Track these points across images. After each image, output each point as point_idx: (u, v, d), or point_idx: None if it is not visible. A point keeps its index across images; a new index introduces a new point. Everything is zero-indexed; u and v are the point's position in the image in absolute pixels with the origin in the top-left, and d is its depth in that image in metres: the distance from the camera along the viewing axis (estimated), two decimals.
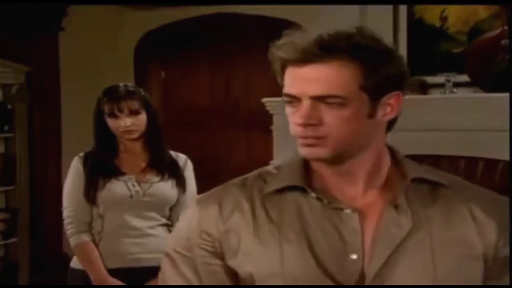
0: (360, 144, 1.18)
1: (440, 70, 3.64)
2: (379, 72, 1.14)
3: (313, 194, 1.19)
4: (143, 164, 2.61)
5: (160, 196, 2.54)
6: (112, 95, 2.57)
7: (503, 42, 3.39)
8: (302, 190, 1.20)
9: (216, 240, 1.21)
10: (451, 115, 3.45)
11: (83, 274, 2.54)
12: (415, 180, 1.21)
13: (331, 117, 1.13)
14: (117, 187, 2.54)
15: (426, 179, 1.22)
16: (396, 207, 1.18)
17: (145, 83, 4.94)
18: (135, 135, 2.57)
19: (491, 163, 3.44)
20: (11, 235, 4.61)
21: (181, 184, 2.60)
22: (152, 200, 2.52)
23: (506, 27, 3.44)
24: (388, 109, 1.18)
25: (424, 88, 3.70)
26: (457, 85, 3.57)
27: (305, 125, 1.14)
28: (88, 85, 4.78)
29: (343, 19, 3.75)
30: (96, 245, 2.56)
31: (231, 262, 1.20)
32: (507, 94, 3.12)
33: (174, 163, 2.65)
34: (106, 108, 2.56)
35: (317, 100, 1.13)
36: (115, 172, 2.56)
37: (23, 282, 4.64)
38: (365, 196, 1.21)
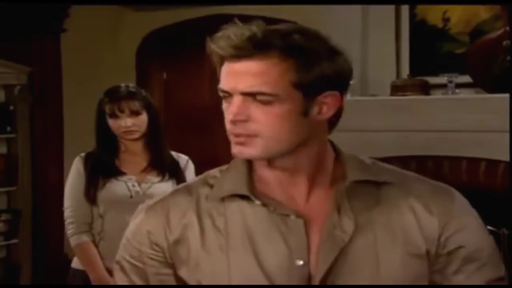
0: (294, 142, 1.15)
1: (442, 71, 3.63)
2: (312, 71, 1.12)
3: (257, 202, 1.18)
4: (144, 165, 2.61)
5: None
6: (113, 96, 2.58)
7: (504, 43, 3.38)
8: (246, 197, 1.19)
9: (166, 251, 1.21)
10: (453, 116, 3.45)
11: (83, 275, 2.55)
12: (356, 181, 1.19)
13: (260, 114, 1.12)
14: (117, 187, 2.55)
15: (367, 180, 1.20)
16: (339, 209, 1.17)
17: (147, 84, 4.94)
18: (136, 136, 2.58)
19: (493, 164, 3.43)
20: (13, 236, 4.61)
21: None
22: None
23: (508, 28, 3.43)
24: (324, 108, 1.16)
25: (426, 89, 3.69)
26: (459, 85, 3.57)
27: (234, 121, 1.13)
28: (90, 86, 4.78)
29: (345, 20, 3.75)
30: (96, 245, 2.56)
31: (181, 272, 1.20)
32: (508, 95, 3.12)
33: (175, 163, 2.65)
34: (107, 109, 2.57)
35: (247, 96, 1.12)
36: (115, 172, 2.57)
37: (24, 283, 4.64)
38: (309, 198, 1.20)
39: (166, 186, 2.58)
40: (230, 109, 1.14)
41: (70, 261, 2.70)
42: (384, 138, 3.42)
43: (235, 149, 1.16)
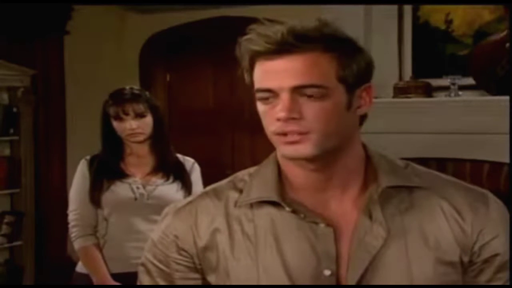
0: (340, 139, 1.13)
1: (445, 73, 3.63)
2: (352, 63, 1.11)
3: (287, 209, 1.15)
4: (149, 167, 2.61)
5: (165, 199, 2.49)
6: (118, 98, 2.57)
7: (507, 45, 3.38)
8: (276, 203, 1.16)
9: (194, 256, 1.19)
10: (456, 118, 3.45)
11: (88, 279, 2.54)
12: (389, 187, 1.15)
13: (312, 110, 1.09)
14: (121, 190, 2.54)
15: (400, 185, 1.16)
16: (370, 216, 1.14)
17: (150, 86, 4.95)
18: (141, 138, 2.57)
19: (496, 166, 3.43)
20: (16, 238, 4.61)
21: (186, 187, 2.60)
22: (156, 203, 2.48)
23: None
24: (362, 101, 1.15)
25: (429, 91, 3.69)
26: (462, 88, 3.57)
27: (287, 119, 1.08)
28: (93, 88, 4.79)
29: (347, 21, 3.75)
30: (101, 249, 2.56)
31: (210, 278, 1.19)
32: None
33: (180, 165, 2.65)
34: (111, 111, 2.56)
35: (296, 92, 1.08)
36: (120, 175, 2.57)
37: (28, 284, 4.64)
38: (340, 205, 1.16)
39: (171, 188, 2.58)
40: (279, 107, 1.09)
41: (73, 263, 2.69)
42: (386, 140, 3.41)
43: (286, 150, 1.11)
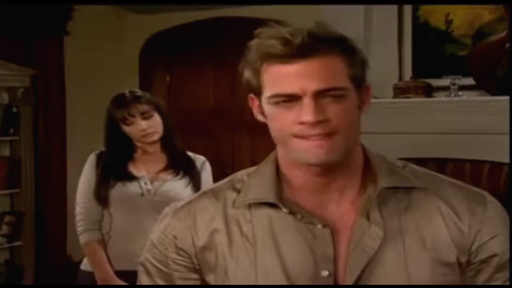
0: (357, 138, 1.15)
1: (445, 73, 3.63)
2: (357, 62, 1.13)
3: (284, 210, 1.15)
4: (161, 165, 2.61)
5: (172, 195, 2.47)
6: (120, 102, 2.58)
7: (507, 45, 3.38)
8: (274, 204, 1.16)
9: (193, 256, 1.20)
10: (456, 118, 3.45)
11: (91, 276, 2.55)
12: (386, 188, 1.16)
13: (335, 111, 1.09)
14: (128, 186, 2.54)
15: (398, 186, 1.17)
16: (367, 217, 1.14)
17: (150, 87, 4.95)
18: (156, 137, 2.58)
19: (496, 166, 3.43)
20: (16, 238, 4.61)
21: (195, 183, 2.59)
22: (163, 200, 2.40)
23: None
24: (364, 99, 1.17)
25: (429, 91, 3.69)
26: (462, 88, 3.56)
27: (313, 123, 1.08)
28: (93, 89, 4.80)
29: (348, 22, 3.75)
30: (105, 244, 2.56)
31: (208, 278, 1.20)
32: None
33: (190, 162, 2.65)
34: (118, 115, 2.56)
35: (320, 95, 1.08)
36: (128, 177, 2.56)
37: (28, 284, 4.64)
38: (338, 206, 1.17)
39: (179, 184, 2.58)
40: (305, 111, 1.08)
41: (73, 262, 2.70)
42: (386, 140, 3.41)
43: (310, 155, 1.10)
